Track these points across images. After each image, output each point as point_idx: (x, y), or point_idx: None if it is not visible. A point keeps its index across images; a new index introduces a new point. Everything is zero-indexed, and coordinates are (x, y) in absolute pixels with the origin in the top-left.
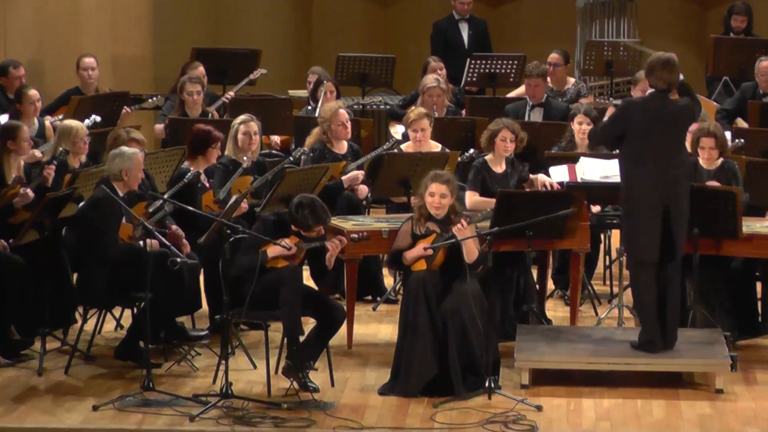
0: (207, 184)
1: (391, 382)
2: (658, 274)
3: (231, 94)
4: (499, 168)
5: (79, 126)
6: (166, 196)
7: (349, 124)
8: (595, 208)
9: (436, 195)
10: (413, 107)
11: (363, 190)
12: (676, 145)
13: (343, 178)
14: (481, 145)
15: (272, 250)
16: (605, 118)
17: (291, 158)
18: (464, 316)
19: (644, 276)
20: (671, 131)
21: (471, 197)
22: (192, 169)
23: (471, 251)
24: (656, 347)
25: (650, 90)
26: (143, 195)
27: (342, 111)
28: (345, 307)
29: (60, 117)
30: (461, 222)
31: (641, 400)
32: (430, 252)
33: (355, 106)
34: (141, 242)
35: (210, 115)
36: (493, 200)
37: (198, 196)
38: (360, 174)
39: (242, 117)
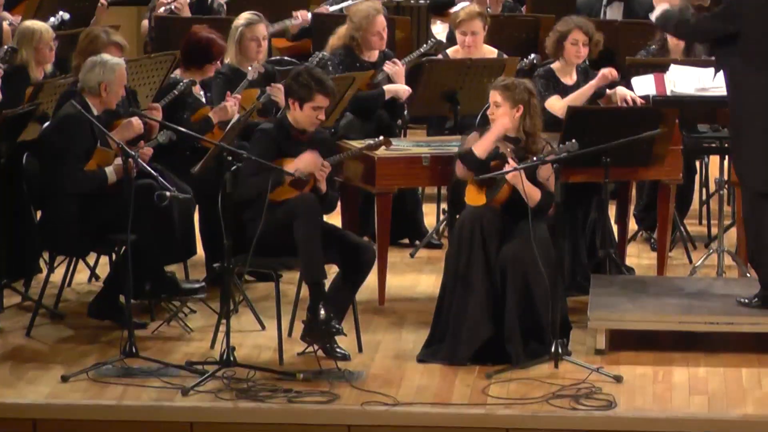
0: (204, 99)
1: (432, 347)
2: None
3: None
4: (569, 79)
5: (43, 28)
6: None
7: (385, 33)
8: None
9: (490, 104)
10: (462, 1)
11: (406, 91)
12: None
13: (386, 87)
14: (547, 50)
15: (292, 165)
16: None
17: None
18: (528, 267)
19: (765, 210)
20: None
21: (557, 103)
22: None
23: (531, 194)
24: None
25: None
26: (122, 114)
27: (380, 18)
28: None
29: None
30: (509, 161)
31: (747, 369)
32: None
33: (387, 1)
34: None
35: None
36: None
37: (185, 112)
38: (408, 91)
39: (247, 16)
